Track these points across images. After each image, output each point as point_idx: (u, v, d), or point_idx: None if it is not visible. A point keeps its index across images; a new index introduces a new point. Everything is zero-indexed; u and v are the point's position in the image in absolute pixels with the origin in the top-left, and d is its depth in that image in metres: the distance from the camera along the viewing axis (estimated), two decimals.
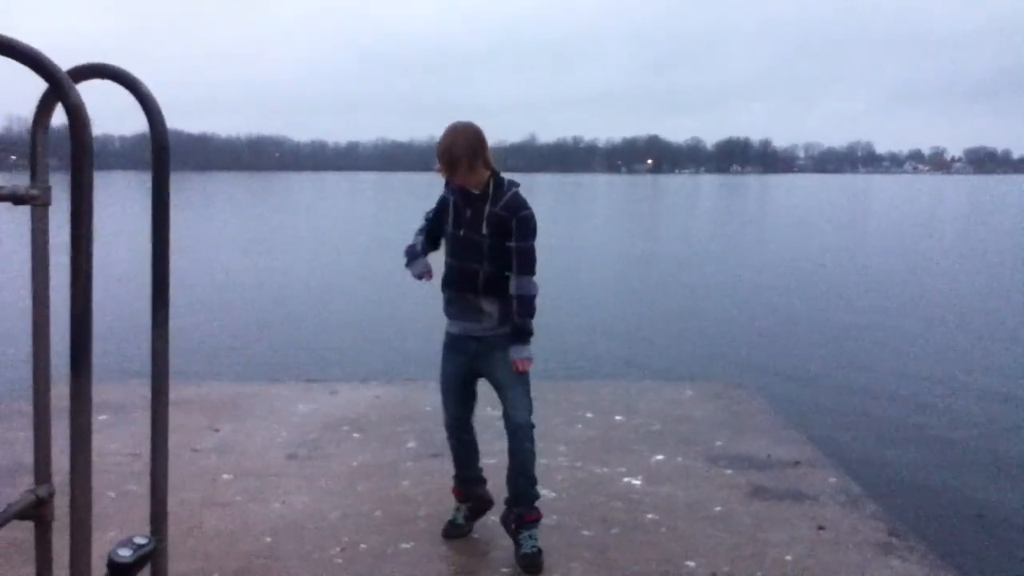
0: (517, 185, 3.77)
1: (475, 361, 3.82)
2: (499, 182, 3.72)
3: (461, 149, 3.60)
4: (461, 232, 3.71)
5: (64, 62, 1.88)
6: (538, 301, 3.73)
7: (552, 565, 3.79)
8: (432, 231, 3.90)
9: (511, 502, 3.88)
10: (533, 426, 3.82)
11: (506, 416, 3.81)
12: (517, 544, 3.79)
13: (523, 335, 3.70)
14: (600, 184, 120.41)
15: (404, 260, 3.92)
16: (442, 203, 3.84)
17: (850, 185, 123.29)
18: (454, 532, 4.05)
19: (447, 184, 3.79)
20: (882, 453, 7.28)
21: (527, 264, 3.67)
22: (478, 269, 3.69)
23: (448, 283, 3.81)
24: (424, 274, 3.87)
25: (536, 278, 3.70)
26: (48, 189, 1.82)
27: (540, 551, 3.74)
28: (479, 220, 3.68)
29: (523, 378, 3.77)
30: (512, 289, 3.69)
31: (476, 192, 3.70)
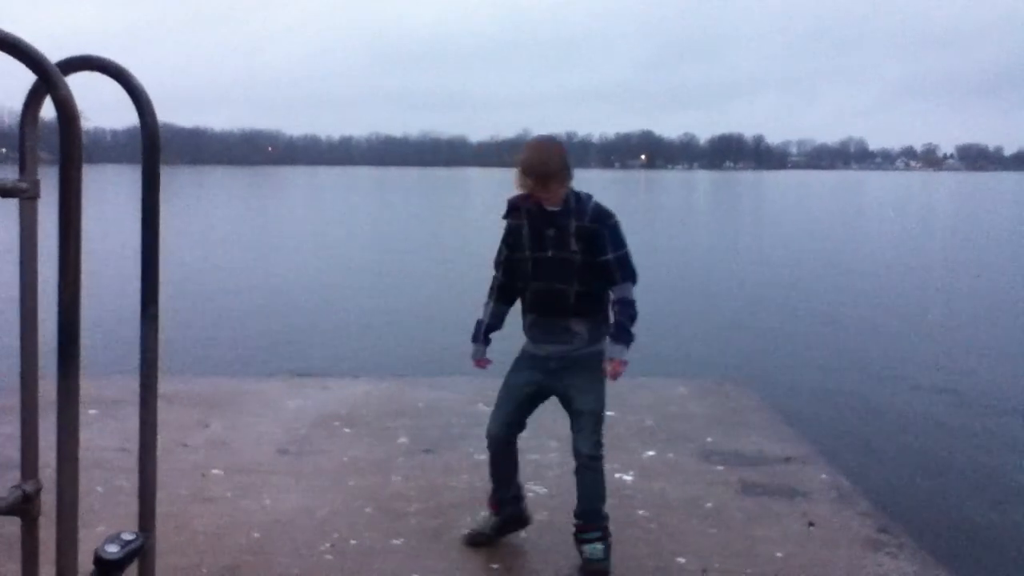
0: (591, 196, 3.64)
1: (550, 378, 3.67)
2: (577, 195, 3.59)
3: (556, 164, 3.49)
4: (549, 253, 3.56)
5: (59, 55, 1.87)
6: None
7: (543, 562, 3.79)
8: (505, 285, 3.80)
9: (577, 516, 3.75)
10: (599, 457, 3.66)
11: (574, 442, 3.67)
12: (580, 552, 3.70)
13: (626, 336, 3.57)
14: (594, 180, 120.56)
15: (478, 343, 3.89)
16: (512, 231, 3.69)
17: (843, 181, 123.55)
18: (477, 540, 3.91)
19: (512, 210, 3.66)
20: (873, 450, 7.30)
21: (628, 271, 3.58)
22: (567, 289, 3.55)
23: (534, 307, 3.66)
24: (479, 363, 3.84)
25: (634, 288, 3.60)
26: (37, 183, 1.80)
27: (603, 559, 3.64)
28: (566, 237, 3.53)
29: (596, 407, 3.64)
30: (615, 294, 3.59)
31: (555, 209, 3.55)
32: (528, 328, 3.73)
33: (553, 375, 3.67)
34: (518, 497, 3.96)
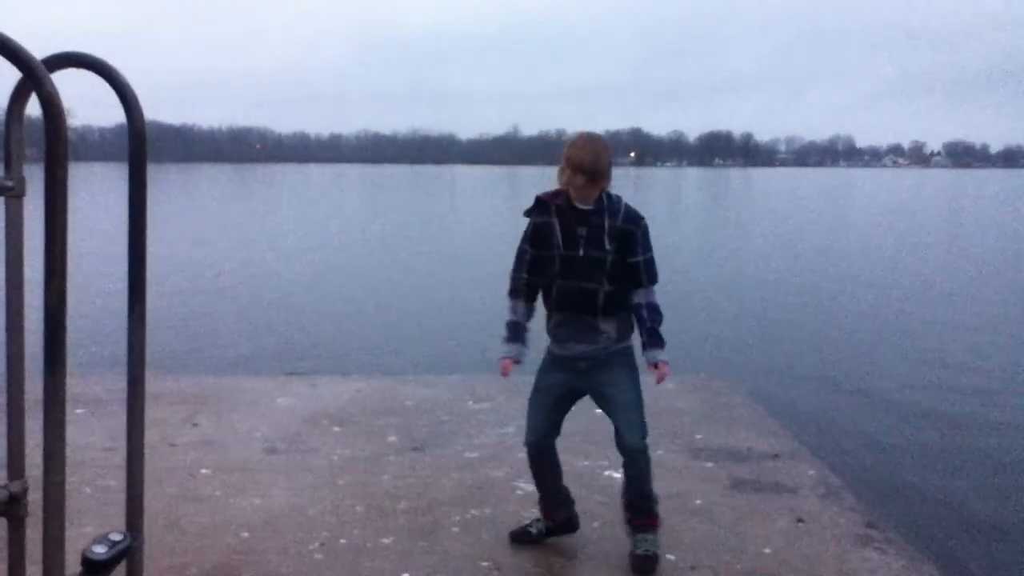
0: (620, 196, 3.62)
1: (581, 379, 3.65)
2: (608, 195, 3.57)
3: (606, 163, 3.48)
4: (581, 252, 3.52)
5: (47, 51, 1.86)
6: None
7: (533, 557, 3.79)
8: (531, 283, 3.71)
9: (626, 508, 3.75)
10: (645, 448, 3.64)
11: (619, 437, 3.64)
12: (632, 545, 3.70)
13: (660, 339, 3.60)
14: None
15: (504, 334, 3.75)
16: (539, 229, 3.63)
17: (831, 179, 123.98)
18: (522, 537, 3.90)
19: (541, 207, 3.62)
20: (861, 445, 7.33)
21: (653, 274, 3.60)
22: (598, 289, 3.52)
23: (561, 306, 3.61)
24: (504, 364, 3.70)
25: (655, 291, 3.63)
26: (22, 180, 1.79)
27: (655, 554, 3.64)
28: (599, 236, 3.51)
29: (636, 399, 3.63)
30: (641, 298, 3.58)
31: (588, 208, 3.54)
32: (554, 328, 3.68)
33: (584, 375, 3.64)
34: (568, 500, 3.93)
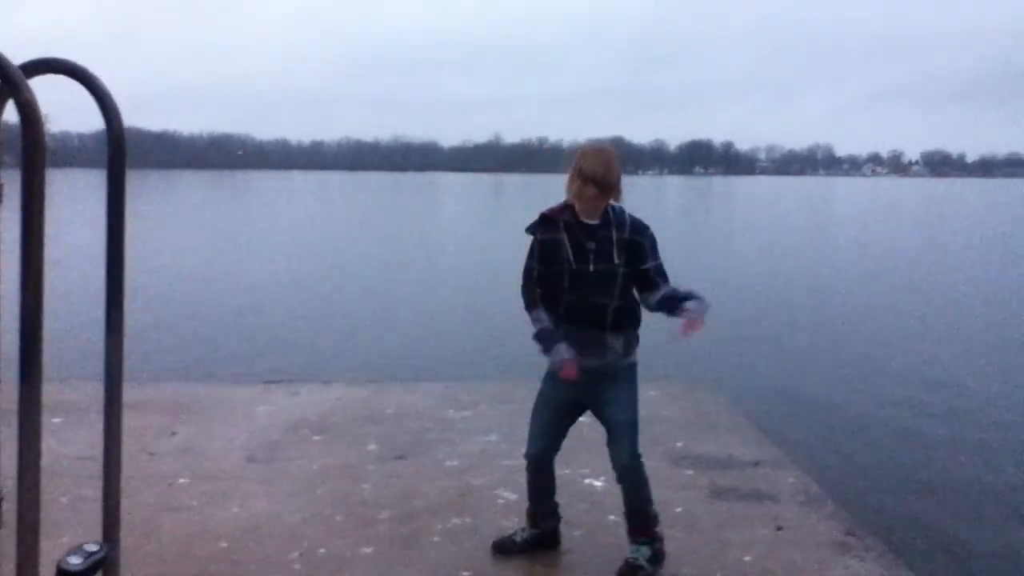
0: (623, 207, 3.61)
1: (585, 392, 3.64)
2: (612, 207, 3.57)
3: (618, 175, 3.48)
4: (591, 267, 3.50)
5: (25, 57, 1.84)
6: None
7: (514, 566, 3.78)
8: (546, 296, 3.62)
9: (626, 518, 3.78)
10: (638, 467, 3.66)
11: (611, 452, 3.67)
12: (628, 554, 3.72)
13: (696, 297, 3.53)
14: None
15: (540, 347, 3.59)
16: (547, 246, 3.58)
17: (811, 187, 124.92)
18: (506, 547, 3.88)
19: (547, 224, 3.58)
20: (842, 453, 7.37)
21: (666, 277, 3.62)
22: (607, 304, 3.52)
23: (569, 320, 3.57)
24: (569, 365, 3.52)
25: None
26: (0, 187, 1.77)
27: (641, 567, 3.63)
28: (609, 250, 3.50)
29: (633, 419, 3.63)
30: (662, 292, 3.58)
31: (594, 222, 3.53)
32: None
33: (587, 388, 3.64)
34: (555, 514, 3.94)
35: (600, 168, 3.43)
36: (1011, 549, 5.55)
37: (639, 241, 3.54)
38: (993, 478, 6.83)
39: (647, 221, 3.68)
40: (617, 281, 3.52)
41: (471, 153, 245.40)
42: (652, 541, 3.72)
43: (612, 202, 3.57)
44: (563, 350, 3.52)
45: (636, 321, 3.63)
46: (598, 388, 3.63)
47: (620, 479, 3.68)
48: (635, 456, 3.65)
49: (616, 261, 3.51)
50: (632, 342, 3.64)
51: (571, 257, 3.53)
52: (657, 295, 3.59)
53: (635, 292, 3.62)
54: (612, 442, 3.66)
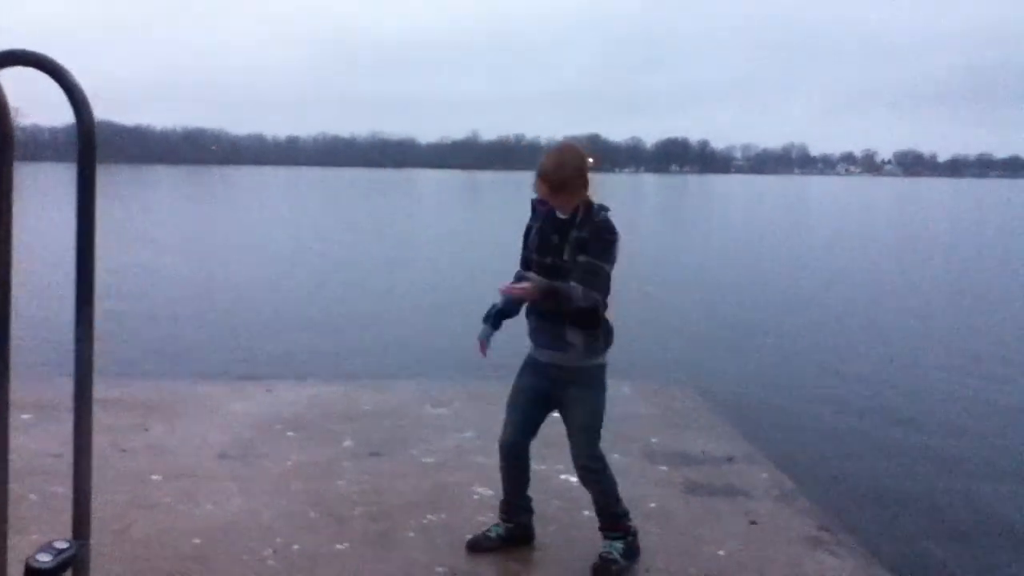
0: (607, 210, 3.58)
1: (553, 388, 3.68)
2: (590, 207, 3.55)
3: (569, 172, 3.47)
4: (548, 260, 3.54)
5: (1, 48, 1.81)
6: (573, 304, 3.43)
7: (489, 563, 3.79)
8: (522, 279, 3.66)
9: (597, 515, 3.81)
10: (595, 468, 3.69)
11: (572, 454, 3.72)
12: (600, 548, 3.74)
13: (560, 287, 3.42)
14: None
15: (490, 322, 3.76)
16: (527, 231, 3.68)
17: (786, 186, 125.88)
18: (481, 545, 3.87)
19: (532, 208, 3.67)
20: (813, 448, 7.43)
21: (597, 283, 3.44)
22: None
23: (533, 311, 3.66)
24: (482, 347, 3.71)
25: (585, 295, 3.42)
26: None
27: (615, 560, 3.66)
28: (563, 246, 3.52)
29: (593, 421, 3.66)
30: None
31: (564, 217, 3.55)
32: (530, 332, 3.73)
33: (555, 385, 3.67)
34: (529, 508, 3.95)
35: (550, 165, 3.47)
36: (974, 538, 5.62)
37: (587, 239, 3.49)
38: (959, 478, 6.92)
39: (622, 219, 3.66)
40: (567, 277, 3.48)
41: (448, 150, 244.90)
42: (625, 535, 3.75)
43: (594, 203, 3.57)
44: (481, 330, 3.72)
45: (597, 320, 3.58)
46: (563, 388, 3.66)
47: (582, 479, 3.73)
48: (593, 457, 3.68)
49: (565, 258, 3.51)
50: (595, 341, 3.60)
51: (535, 247, 3.61)
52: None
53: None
54: (571, 443, 3.72)
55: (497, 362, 3.91)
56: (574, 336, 3.56)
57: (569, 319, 3.53)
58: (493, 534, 3.92)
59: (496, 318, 3.75)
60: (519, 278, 3.61)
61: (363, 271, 20.04)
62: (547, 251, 3.56)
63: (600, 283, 3.47)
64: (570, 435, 3.70)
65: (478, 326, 3.77)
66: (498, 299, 3.72)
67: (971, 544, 5.58)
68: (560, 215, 3.56)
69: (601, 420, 3.70)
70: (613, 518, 3.75)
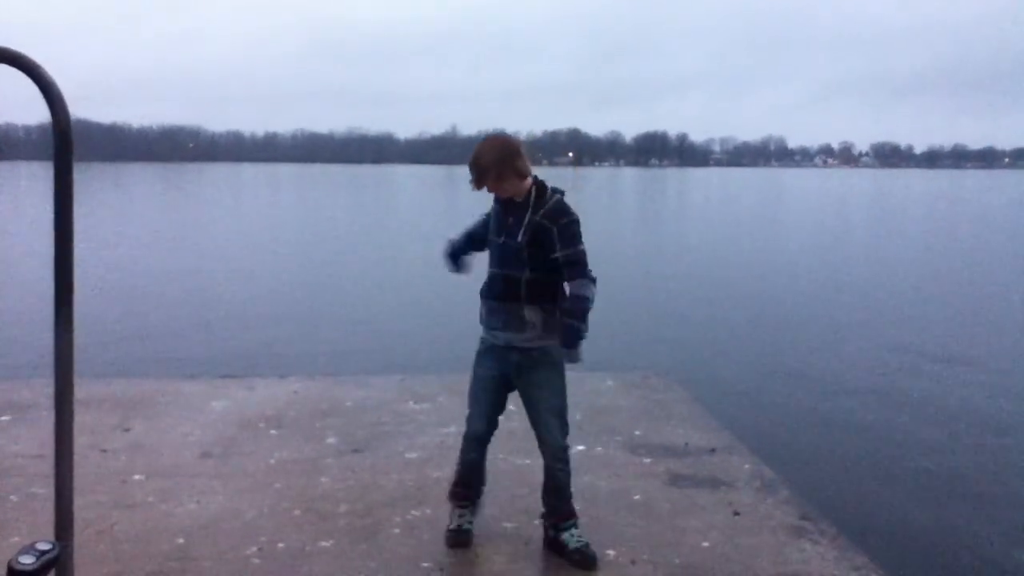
0: (561, 192, 3.70)
1: (513, 373, 3.73)
2: (541, 190, 3.67)
3: (489, 160, 3.58)
4: (501, 240, 3.67)
5: None
6: (593, 304, 3.60)
7: (474, 557, 3.79)
8: (475, 234, 3.90)
9: (546, 515, 3.85)
10: (566, 448, 3.76)
11: (540, 438, 3.76)
12: (562, 545, 3.75)
13: (573, 337, 3.58)
14: None
15: (446, 258, 3.95)
16: (489, 216, 3.84)
17: (764, 178, 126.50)
18: (460, 539, 3.89)
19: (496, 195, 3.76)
20: (794, 439, 7.49)
21: (578, 269, 3.58)
22: (520, 277, 3.62)
23: (490, 293, 3.74)
24: (459, 268, 3.90)
25: (590, 279, 3.59)
26: None
27: (586, 543, 3.72)
28: (517, 228, 3.62)
29: (560, 403, 3.72)
30: (568, 291, 3.62)
31: (519, 200, 3.66)
32: (485, 316, 3.78)
33: (514, 369, 3.72)
34: (480, 491, 4.02)
35: (470, 160, 3.63)
36: (957, 528, 5.69)
37: (547, 226, 3.59)
38: (941, 462, 7.00)
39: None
40: (521, 255, 3.61)
41: (427, 145, 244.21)
42: (576, 519, 3.82)
43: (547, 185, 3.70)
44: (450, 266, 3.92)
45: (554, 297, 3.66)
46: (523, 373, 3.71)
47: (552, 463, 3.77)
48: (566, 449, 3.77)
49: (519, 239, 3.62)
50: (554, 322, 3.66)
51: (494, 229, 3.74)
52: (568, 291, 3.65)
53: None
54: (541, 427, 3.75)
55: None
56: (532, 315, 3.64)
57: (526, 297, 3.62)
58: (467, 526, 3.95)
59: (453, 259, 3.95)
60: (452, 244, 3.91)
61: (339, 267, 19.97)
62: (501, 231, 3.70)
63: (585, 264, 3.60)
64: (538, 420, 3.74)
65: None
66: (455, 237, 3.94)
67: (954, 523, 5.65)
68: (516, 199, 3.68)
69: (566, 398, 3.77)
70: (569, 502, 3.82)
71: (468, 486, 3.95)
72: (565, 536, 3.76)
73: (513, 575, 3.65)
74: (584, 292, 3.58)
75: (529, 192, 3.66)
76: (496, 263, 3.72)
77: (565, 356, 3.66)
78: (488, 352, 3.79)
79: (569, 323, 3.59)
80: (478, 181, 3.61)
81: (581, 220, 3.69)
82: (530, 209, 3.63)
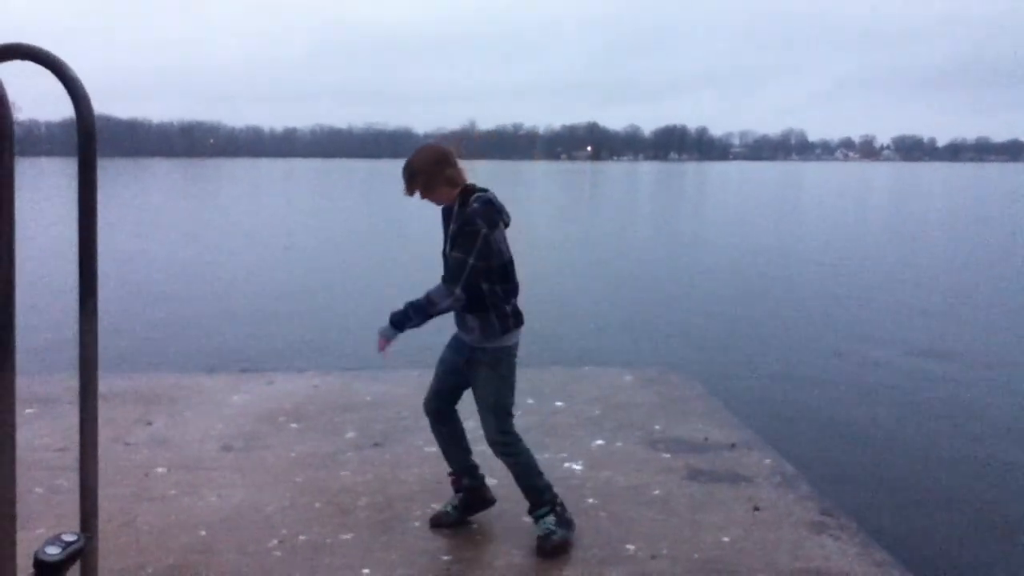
0: (483, 200, 3.70)
1: (465, 365, 3.89)
2: (464, 199, 3.73)
3: (417, 166, 3.70)
4: (444, 250, 3.80)
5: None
6: (439, 310, 3.65)
7: (493, 552, 3.80)
8: None
9: (523, 494, 3.94)
10: (506, 442, 3.83)
11: (484, 432, 3.88)
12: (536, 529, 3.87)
13: (396, 316, 3.69)
14: (538, 171, 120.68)
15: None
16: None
17: (784, 172, 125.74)
18: (442, 520, 4.05)
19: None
20: (815, 434, 7.45)
21: (451, 274, 3.63)
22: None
23: None
24: (381, 342, 3.82)
25: (451, 291, 3.62)
26: None
27: (550, 533, 3.79)
28: (447, 238, 3.78)
29: (494, 400, 3.81)
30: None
31: (454, 211, 3.76)
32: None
33: (468, 363, 3.88)
34: (473, 474, 4.08)
35: (405, 162, 3.75)
36: (981, 527, 5.64)
37: (456, 232, 3.70)
38: (966, 465, 6.94)
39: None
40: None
41: (445, 140, 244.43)
42: (552, 507, 3.86)
43: (477, 193, 3.75)
44: (382, 329, 3.80)
45: (483, 306, 3.74)
46: (472, 364, 3.87)
47: (495, 454, 3.88)
48: (502, 432, 3.83)
49: (448, 249, 3.76)
50: (491, 327, 3.76)
51: (442, 240, 3.88)
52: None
53: (484, 280, 3.70)
54: (481, 421, 3.88)
55: None
56: (472, 321, 3.80)
57: (464, 306, 3.73)
58: (450, 508, 4.08)
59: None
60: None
61: (353, 261, 20.03)
62: (446, 241, 3.83)
63: (460, 274, 3.62)
64: (479, 413, 3.87)
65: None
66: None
67: (974, 523, 5.60)
68: (452, 208, 3.79)
69: (507, 400, 3.85)
70: (536, 492, 3.87)
71: (455, 475, 4.09)
72: (538, 523, 3.85)
73: (530, 570, 3.65)
74: (436, 294, 3.65)
75: (454, 201, 3.75)
76: (444, 271, 3.81)
77: (381, 328, 3.70)
78: (453, 340, 4.00)
79: (404, 307, 3.69)
80: (408, 187, 3.73)
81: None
82: (455, 218, 3.73)
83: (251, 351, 10.59)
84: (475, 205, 3.68)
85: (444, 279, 3.67)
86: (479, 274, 3.65)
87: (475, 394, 3.87)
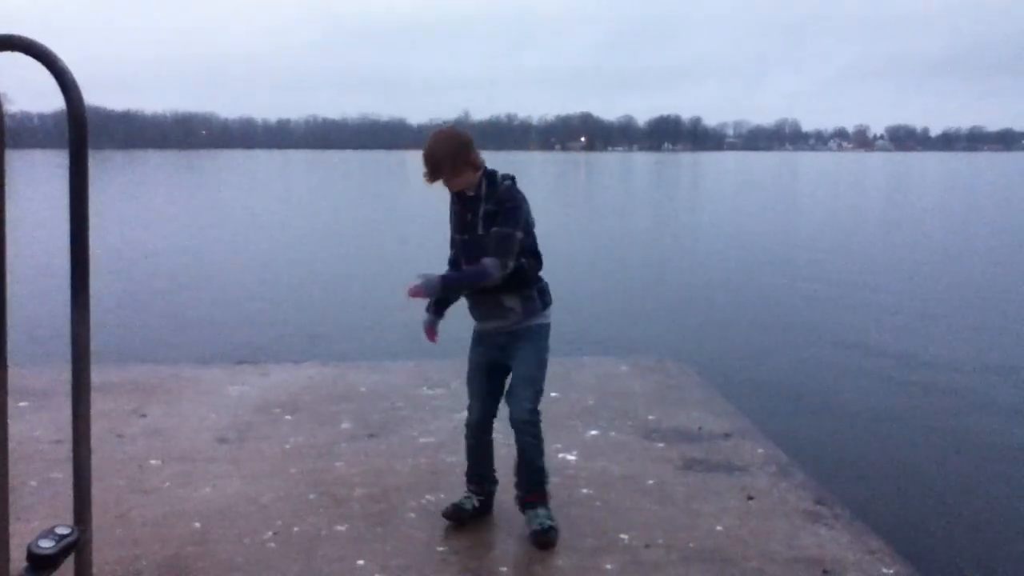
0: (511, 178, 3.74)
1: (500, 352, 3.83)
2: (492, 180, 3.71)
3: (442, 154, 3.62)
4: (467, 236, 3.73)
5: None
6: (484, 283, 3.63)
7: (489, 542, 3.81)
8: (454, 261, 3.91)
9: (518, 486, 3.91)
10: (534, 421, 3.78)
11: (509, 406, 3.81)
12: (527, 521, 3.83)
13: (450, 279, 3.68)
14: (534, 162, 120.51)
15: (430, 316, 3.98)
16: (449, 214, 3.85)
17: (778, 162, 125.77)
18: (457, 515, 3.96)
19: (452, 193, 3.78)
20: (809, 423, 7.47)
21: (502, 250, 3.59)
22: None
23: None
24: (427, 331, 3.94)
25: (506, 264, 3.59)
26: None
27: (550, 527, 3.75)
28: (476, 221, 3.69)
29: (533, 375, 3.77)
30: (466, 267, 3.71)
31: (471, 194, 3.71)
32: (470, 310, 3.89)
33: (501, 349, 3.82)
34: (495, 480, 4.08)
35: (425, 150, 3.64)
36: (976, 515, 5.67)
37: (494, 211, 3.66)
38: (962, 454, 6.97)
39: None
40: (487, 248, 3.64)
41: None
42: (546, 502, 3.86)
43: (496, 174, 3.73)
44: (426, 319, 3.93)
45: (529, 282, 3.74)
46: (507, 348, 3.81)
47: (518, 434, 3.80)
48: (533, 412, 3.78)
49: (480, 231, 3.69)
50: (533, 304, 3.76)
51: (456, 227, 3.81)
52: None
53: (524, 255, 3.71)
54: (509, 396, 3.82)
55: None
56: (511, 301, 3.73)
57: (502, 287, 3.68)
58: (469, 506, 4.01)
59: (437, 306, 3.94)
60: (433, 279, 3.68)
61: (352, 251, 20.00)
62: (464, 229, 3.76)
63: (511, 248, 3.61)
64: (512, 388, 3.81)
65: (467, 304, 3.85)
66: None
67: (965, 515, 5.63)
68: (469, 193, 3.72)
69: (544, 373, 3.83)
70: (539, 474, 3.85)
71: (479, 482, 4.03)
72: (530, 514, 3.82)
73: (526, 559, 3.66)
74: (483, 269, 3.61)
75: (480, 183, 3.70)
76: (466, 258, 3.76)
77: (419, 277, 3.63)
78: (478, 339, 3.91)
79: (446, 274, 3.69)
80: (432, 175, 3.66)
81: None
82: (483, 200, 3.68)
83: (246, 342, 10.58)
84: (507, 183, 3.70)
85: (494, 251, 3.58)
86: (523, 248, 3.66)
87: (515, 371, 3.79)
